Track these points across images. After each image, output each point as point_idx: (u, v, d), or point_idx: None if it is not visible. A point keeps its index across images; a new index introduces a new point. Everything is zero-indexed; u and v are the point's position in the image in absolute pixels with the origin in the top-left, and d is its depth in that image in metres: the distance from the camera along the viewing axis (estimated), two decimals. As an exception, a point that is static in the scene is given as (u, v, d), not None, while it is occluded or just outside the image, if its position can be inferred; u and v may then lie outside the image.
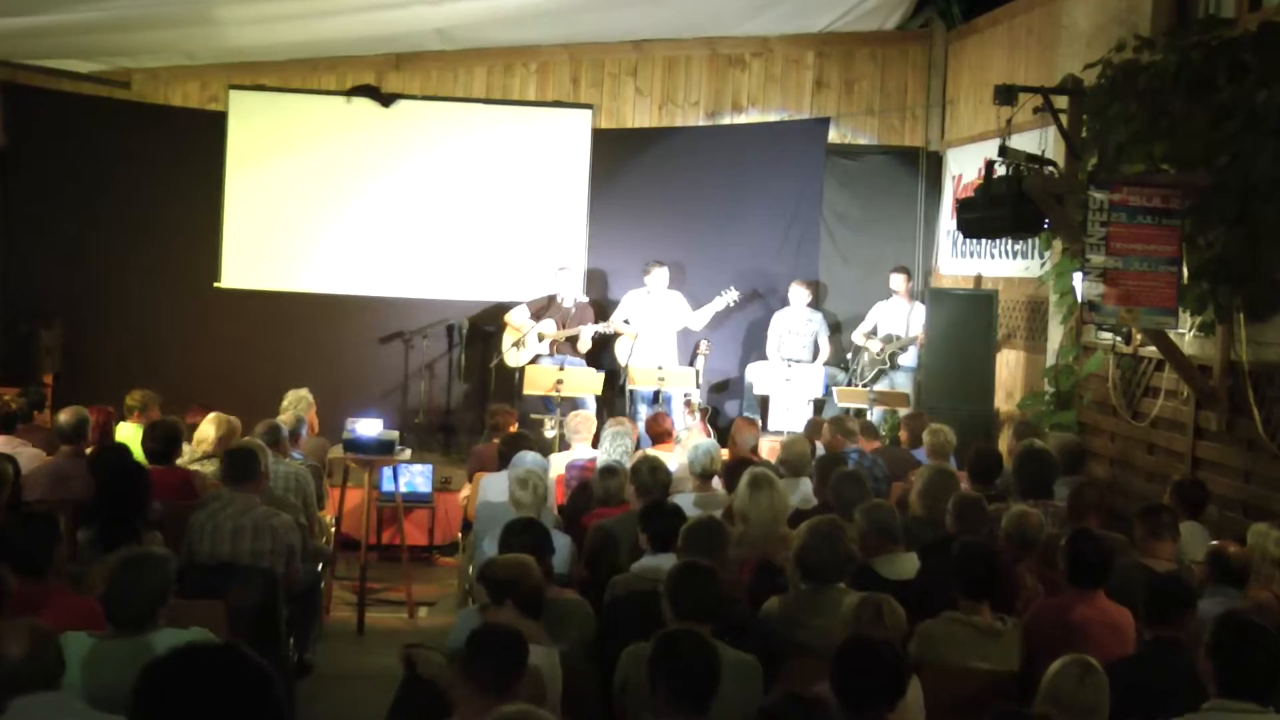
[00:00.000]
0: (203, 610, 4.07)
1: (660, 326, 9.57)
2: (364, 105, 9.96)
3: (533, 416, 9.09)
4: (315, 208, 9.96)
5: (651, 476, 5.26)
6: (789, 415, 9.00)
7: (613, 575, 4.49)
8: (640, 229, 10.14)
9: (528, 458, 5.79)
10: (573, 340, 9.35)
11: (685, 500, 5.42)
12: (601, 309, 9.91)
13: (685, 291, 9.78)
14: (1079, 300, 6.13)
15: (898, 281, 9.53)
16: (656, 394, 9.05)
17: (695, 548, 4.17)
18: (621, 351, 9.50)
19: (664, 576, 3.79)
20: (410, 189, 10.04)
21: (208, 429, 6.30)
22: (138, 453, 5.84)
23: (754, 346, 10.10)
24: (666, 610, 3.65)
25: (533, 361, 9.25)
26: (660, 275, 9.58)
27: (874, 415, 8.68)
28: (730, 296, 9.52)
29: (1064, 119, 6.49)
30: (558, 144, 10.15)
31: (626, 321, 9.59)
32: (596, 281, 10.20)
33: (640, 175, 10.20)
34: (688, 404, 9.21)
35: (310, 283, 9.97)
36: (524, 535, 4.24)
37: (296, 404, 7.34)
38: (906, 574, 4.48)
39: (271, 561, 4.95)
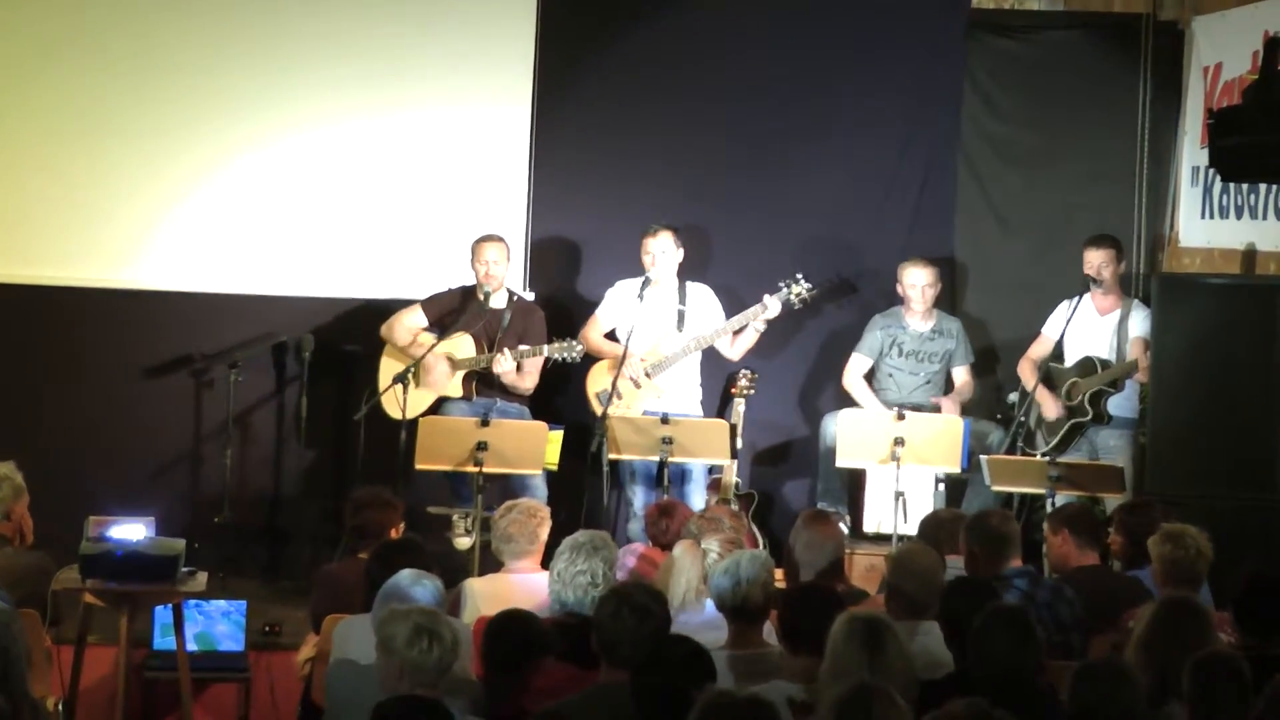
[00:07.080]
0: None
1: (673, 348, 9.56)
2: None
3: (432, 511, 9.16)
4: (43, 139, 10.04)
5: (636, 622, 5.28)
6: (900, 507, 8.96)
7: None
8: (626, 172, 10.24)
9: (417, 591, 5.78)
10: (492, 370, 9.34)
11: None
12: (565, 314, 9.95)
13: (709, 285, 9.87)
14: None
15: (1100, 262, 9.55)
16: (662, 468, 8.97)
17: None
18: (598, 386, 9.49)
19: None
20: (217, 102, 10.11)
21: None
22: None
23: (832, 379, 10.14)
24: None
25: (435, 409, 9.26)
26: (667, 249, 9.55)
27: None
28: (797, 290, 9.52)
29: None
30: (481, 22, 10.25)
31: (612, 336, 9.62)
32: (547, 265, 10.28)
33: (626, 75, 10.29)
34: (714, 486, 9.16)
35: (22, 266, 10.00)
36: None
37: (-7, 490, 7.42)
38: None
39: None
